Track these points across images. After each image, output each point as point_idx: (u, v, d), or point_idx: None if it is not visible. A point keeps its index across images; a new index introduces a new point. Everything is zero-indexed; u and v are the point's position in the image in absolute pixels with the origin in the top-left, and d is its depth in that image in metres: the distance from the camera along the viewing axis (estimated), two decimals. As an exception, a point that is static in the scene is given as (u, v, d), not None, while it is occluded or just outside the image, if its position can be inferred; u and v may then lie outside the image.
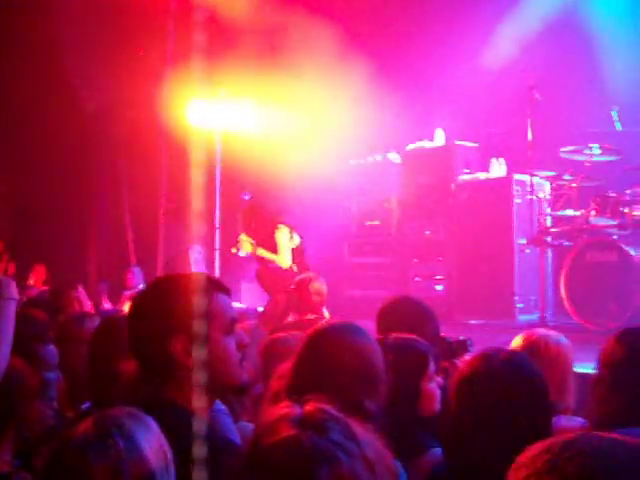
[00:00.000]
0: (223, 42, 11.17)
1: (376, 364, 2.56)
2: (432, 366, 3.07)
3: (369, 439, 1.40)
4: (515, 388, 2.32)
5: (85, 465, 1.79)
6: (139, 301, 2.45)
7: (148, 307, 2.38)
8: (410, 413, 2.95)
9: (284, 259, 8.86)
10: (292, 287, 6.79)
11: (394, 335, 3.27)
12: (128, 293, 10.15)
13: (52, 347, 4.08)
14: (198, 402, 2.32)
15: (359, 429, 1.41)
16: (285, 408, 1.45)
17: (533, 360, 3.28)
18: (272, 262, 8.89)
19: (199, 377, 2.30)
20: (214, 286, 2.40)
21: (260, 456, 1.38)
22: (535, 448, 1.30)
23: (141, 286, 9.77)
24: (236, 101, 11.39)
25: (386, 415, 2.46)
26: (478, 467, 2.27)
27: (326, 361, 2.55)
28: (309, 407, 1.43)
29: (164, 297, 2.35)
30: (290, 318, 7.17)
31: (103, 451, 1.80)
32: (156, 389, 2.31)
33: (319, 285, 6.75)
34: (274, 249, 8.89)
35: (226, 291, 2.44)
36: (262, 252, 8.90)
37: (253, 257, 9.24)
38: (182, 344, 2.28)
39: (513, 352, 2.51)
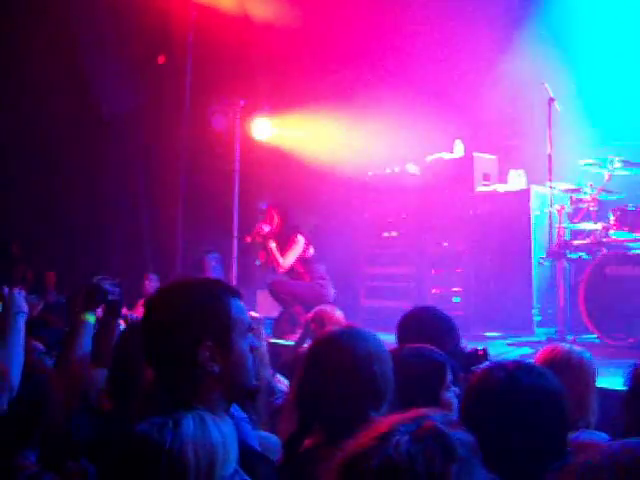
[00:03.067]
0: (243, 50, 11.22)
1: (377, 371, 2.53)
2: (449, 375, 3.06)
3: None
4: (520, 402, 2.28)
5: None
6: (158, 308, 2.39)
7: (171, 314, 2.32)
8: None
9: (286, 262, 9.08)
10: (310, 320, 6.81)
11: (410, 345, 3.27)
12: (144, 300, 10.14)
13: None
14: (221, 409, 2.32)
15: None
16: (414, 413, 1.45)
17: (554, 374, 3.29)
18: (274, 260, 9.11)
19: (224, 383, 2.31)
20: (232, 292, 2.41)
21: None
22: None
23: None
24: (255, 110, 11.43)
25: None
26: None
27: (325, 369, 2.54)
28: (430, 420, 1.42)
29: (187, 303, 2.32)
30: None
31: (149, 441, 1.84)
32: (180, 397, 2.29)
33: (337, 318, 6.81)
34: (283, 252, 9.11)
35: (239, 296, 2.43)
36: (272, 245, 9.05)
37: (262, 246, 9.41)
38: (209, 351, 2.27)
39: (521, 365, 2.44)
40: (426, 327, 3.91)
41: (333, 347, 2.58)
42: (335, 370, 2.50)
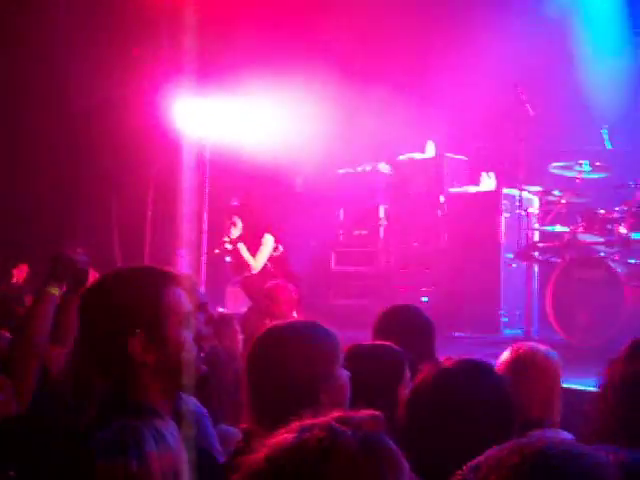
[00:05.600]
0: (217, 46, 11.16)
1: (309, 371, 2.43)
2: (408, 372, 3.04)
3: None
4: (454, 401, 2.25)
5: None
6: (90, 299, 2.34)
7: (101, 305, 2.28)
8: (387, 420, 2.89)
9: (257, 264, 9.13)
10: (262, 295, 6.79)
11: (369, 342, 3.25)
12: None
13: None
14: (162, 400, 2.26)
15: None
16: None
17: (519, 373, 3.29)
18: (245, 262, 9.14)
19: (160, 374, 2.25)
20: (167, 280, 2.33)
21: None
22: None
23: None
24: (228, 106, 11.38)
25: None
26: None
27: (262, 369, 2.49)
28: (364, 412, 1.40)
29: (117, 294, 2.26)
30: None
31: (115, 466, 1.76)
32: (117, 390, 2.24)
33: (289, 292, 6.80)
34: (254, 253, 9.08)
35: (181, 284, 2.36)
36: (242, 248, 9.09)
37: (230, 254, 9.42)
38: (140, 342, 2.21)
39: (463, 363, 2.39)
40: (405, 326, 3.89)
41: (269, 344, 2.52)
42: (269, 369, 2.45)
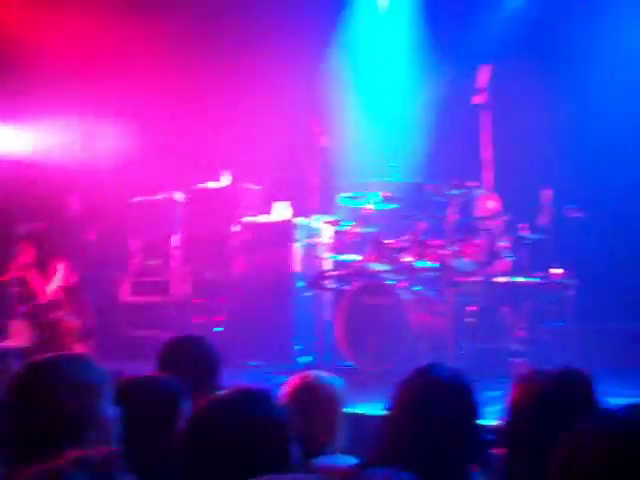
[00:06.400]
0: (21, 66, 10.70)
1: (69, 405, 2.33)
2: (185, 404, 2.96)
3: None
4: (228, 431, 2.22)
5: None
6: None
7: None
8: (166, 453, 2.80)
9: (49, 294, 8.87)
10: (43, 324, 6.60)
11: (140, 376, 3.16)
12: None
13: None
14: None
15: None
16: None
17: (303, 401, 3.32)
18: (35, 292, 8.83)
19: None
20: None
21: None
22: None
23: None
24: (23, 127, 10.94)
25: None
26: None
27: (22, 402, 2.39)
28: (101, 450, 1.33)
29: None
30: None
31: None
32: None
33: (73, 324, 6.63)
34: (46, 281, 8.90)
35: None
36: (33, 276, 8.85)
37: (19, 282, 9.12)
38: None
39: (237, 393, 2.36)
40: (187, 358, 3.82)
41: (30, 379, 2.42)
42: (30, 405, 2.35)
